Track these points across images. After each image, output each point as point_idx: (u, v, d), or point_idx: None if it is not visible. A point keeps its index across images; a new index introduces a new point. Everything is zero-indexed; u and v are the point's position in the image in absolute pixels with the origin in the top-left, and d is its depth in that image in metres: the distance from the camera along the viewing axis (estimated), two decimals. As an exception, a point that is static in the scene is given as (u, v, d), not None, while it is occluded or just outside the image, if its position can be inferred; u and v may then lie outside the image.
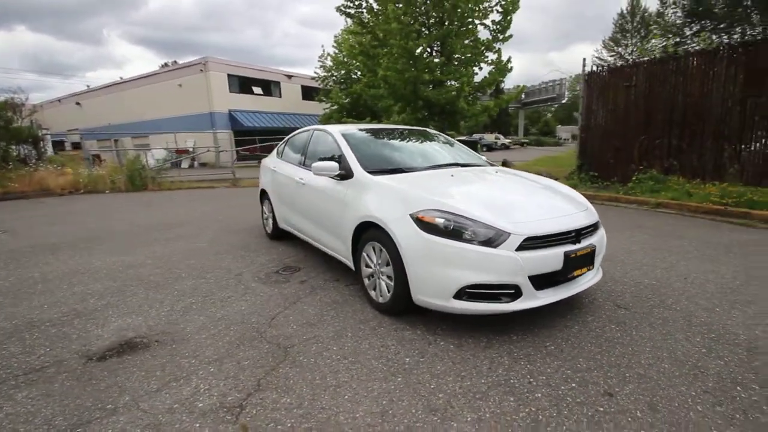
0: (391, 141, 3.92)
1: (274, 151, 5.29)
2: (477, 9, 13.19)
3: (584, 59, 9.96)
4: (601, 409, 1.82)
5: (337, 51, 23.98)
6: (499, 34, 13.69)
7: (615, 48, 43.43)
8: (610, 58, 44.27)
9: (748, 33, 36.96)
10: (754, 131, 7.09)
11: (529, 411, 1.81)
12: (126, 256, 4.55)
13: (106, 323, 2.84)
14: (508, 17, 13.39)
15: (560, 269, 2.39)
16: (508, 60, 14.06)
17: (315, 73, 25.07)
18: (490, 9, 13.51)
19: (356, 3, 13.51)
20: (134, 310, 3.05)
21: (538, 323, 2.65)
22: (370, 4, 13.22)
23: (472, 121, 13.66)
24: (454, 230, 2.37)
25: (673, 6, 40.09)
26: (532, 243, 2.33)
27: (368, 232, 2.91)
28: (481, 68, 14.13)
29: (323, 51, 24.71)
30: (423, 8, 13.13)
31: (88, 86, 34.40)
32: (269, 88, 27.85)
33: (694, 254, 4.14)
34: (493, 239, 2.30)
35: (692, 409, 1.81)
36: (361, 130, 4.02)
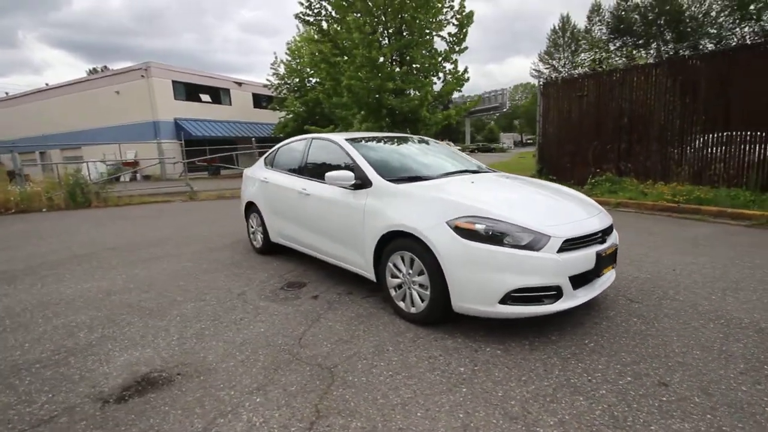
0: (397, 148, 3.90)
1: (261, 160, 5.04)
2: (434, 21, 13.65)
3: (541, 73, 10.69)
4: (664, 398, 1.92)
5: (290, 58, 23.56)
6: (455, 46, 14.25)
7: (550, 61, 46.89)
8: (545, 70, 47.75)
9: (662, 48, 41.31)
10: (690, 136, 7.97)
11: (603, 408, 1.86)
12: (101, 281, 4.08)
13: (109, 359, 2.51)
14: (464, 30, 13.99)
15: (592, 268, 2.51)
16: (465, 70, 14.67)
17: (267, 80, 24.42)
18: (446, 21, 14.05)
19: (315, 11, 13.42)
20: (137, 342, 2.73)
21: (568, 322, 2.75)
22: (330, 12, 13.19)
23: (433, 129, 14.01)
24: (493, 235, 2.40)
25: (599, 23, 44.20)
26: (569, 245, 2.42)
27: (394, 242, 2.86)
28: (439, 78, 14.62)
29: (275, 58, 24.14)
30: (382, 18, 13.34)
31: (6, 93, 30.78)
32: (218, 95, 26.65)
33: (670, 248, 4.54)
34: (534, 243, 2.36)
35: (738, 389, 1.96)
36: (362, 138, 3.95)
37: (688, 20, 38.13)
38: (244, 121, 27.11)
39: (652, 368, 2.17)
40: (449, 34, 14.25)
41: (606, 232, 2.69)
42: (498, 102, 57.79)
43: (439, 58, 14.22)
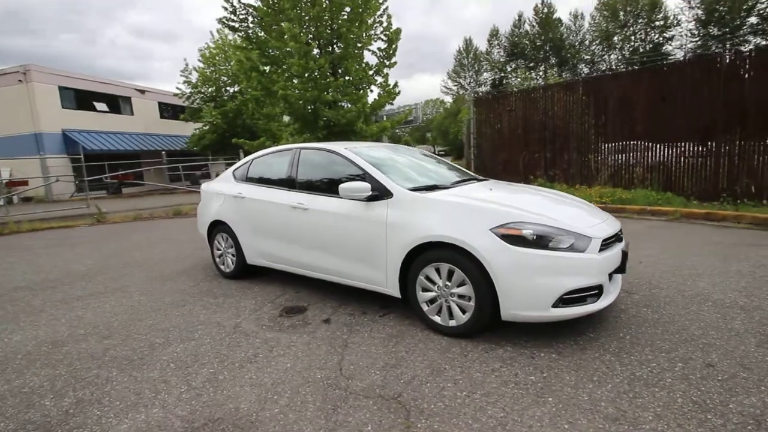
0: (394, 156, 3.77)
1: (226, 174, 4.51)
2: (365, 35, 13.83)
3: (473, 88, 11.40)
4: (719, 378, 2.09)
5: (203, 65, 21.85)
6: (385, 60, 14.60)
7: (457, 79, 50.77)
8: (454, 87, 51.44)
9: (548, 71, 47.00)
10: (603, 145, 9.19)
11: (682, 396, 1.96)
12: (35, 330, 3.22)
13: (106, 430, 1.95)
14: (393, 45, 14.41)
15: (620, 265, 2.68)
16: (395, 84, 15.09)
17: (177, 89, 22.28)
18: (376, 36, 14.34)
19: (240, 17, 12.67)
20: (134, 401, 2.18)
21: (590, 320, 2.88)
22: (257, 19, 12.55)
23: (369, 141, 14.10)
24: (539, 240, 2.43)
25: (497, 47, 49.10)
26: (604, 245, 2.55)
27: (426, 254, 2.73)
28: (372, 91, 14.82)
29: (186, 65, 22.13)
30: (311, 29, 13.10)
31: None
32: (117, 104, 23.48)
33: (623, 243, 5.11)
34: (579, 245, 2.44)
35: (765, 361, 2.23)
36: (354, 147, 3.74)
37: (567, 47, 44.49)
38: (150, 132, 24.30)
39: (690, 352, 2.37)
40: (379, 48, 14.58)
41: (620, 231, 2.91)
42: (411, 116, 60.69)
43: (370, 72, 14.44)
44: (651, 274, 3.83)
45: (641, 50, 41.00)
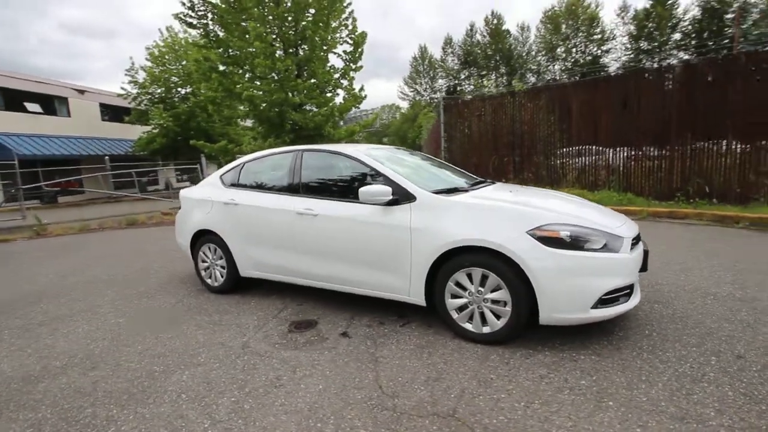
0: (401, 158, 3.63)
1: (212, 179, 4.14)
2: (330, 38, 13.62)
3: (441, 95, 11.56)
4: (754, 369, 2.17)
5: (152, 64, 20.43)
6: (351, 64, 14.48)
7: (413, 85, 51.70)
8: (410, 93, 52.32)
9: (498, 79, 49.01)
10: (567, 149, 9.66)
11: (732, 389, 2.00)
12: (1, 364, 2.72)
13: (127, 481, 1.64)
14: (359, 49, 14.33)
15: (642, 265, 2.73)
16: (361, 88, 15.01)
17: (122, 89, 20.63)
18: (341, 39, 14.18)
19: (199, 13, 11.98)
20: (152, 443, 1.87)
21: (609, 320, 2.92)
22: (217, 17, 11.93)
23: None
24: (575, 241, 2.41)
25: (451, 55, 50.63)
26: (632, 245, 2.59)
27: (456, 260, 2.63)
28: (337, 94, 14.62)
29: (132, 64, 20.56)
30: (275, 29, 12.69)
31: None
32: (52, 105, 21.27)
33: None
34: (614, 245, 2.45)
35: (785, 350, 2.36)
36: (364, 149, 3.57)
37: (516, 57, 46.86)
38: (91, 136, 22.26)
39: (716, 345, 2.45)
40: (344, 51, 14.43)
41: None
42: (362, 122, 61.03)
43: (336, 75, 14.25)
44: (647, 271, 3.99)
45: (581, 62, 44.17)
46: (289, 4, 12.34)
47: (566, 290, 2.37)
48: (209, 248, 4.00)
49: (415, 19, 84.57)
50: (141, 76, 20.69)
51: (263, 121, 12.37)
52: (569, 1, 43.36)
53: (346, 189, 3.25)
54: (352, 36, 14.21)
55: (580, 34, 43.55)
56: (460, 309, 2.69)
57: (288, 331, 3.07)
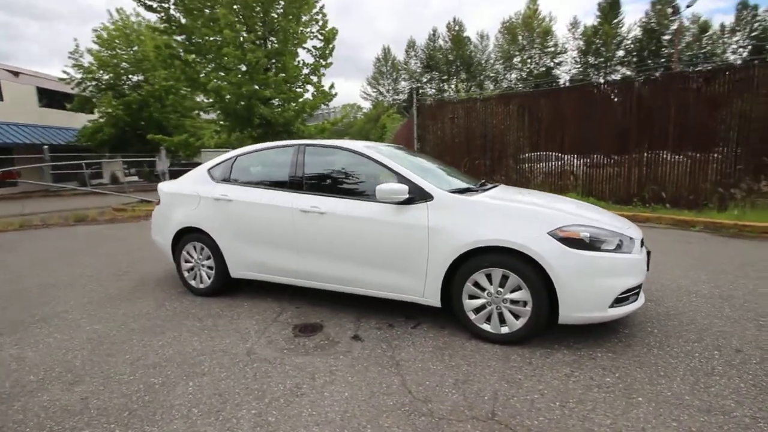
0: (406, 157, 3.56)
1: (197, 173, 3.85)
2: (299, 32, 13.28)
3: (415, 96, 11.64)
4: (755, 361, 2.34)
5: (99, 49, 18.80)
6: (321, 60, 14.22)
7: (377, 85, 51.80)
8: (373, 93, 52.40)
9: (458, 84, 50.23)
10: (536, 153, 10.09)
11: (744, 381, 2.13)
12: (-45, 383, 2.32)
13: None
14: (330, 45, 14.10)
15: (646, 265, 2.87)
16: (332, 86, 14.78)
17: (65, 73, 18.81)
18: (312, 35, 13.87)
19: (160, -4, 11.19)
20: (173, 466, 1.67)
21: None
22: (183, 1, 11.18)
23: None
24: (593, 242, 2.48)
25: (414, 58, 51.26)
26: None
27: (474, 260, 2.61)
28: (307, 90, 14.29)
29: (77, 46, 18.77)
30: (244, 20, 12.15)
31: None
32: (-23, 86, 18.95)
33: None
34: (627, 245, 2.55)
35: (773, 344, 2.57)
36: (372, 145, 3.45)
37: (476, 64, 48.39)
38: (27, 123, 20.05)
39: (714, 340, 2.62)
40: (314, 47, 14.14)
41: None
42: (330, 119, 60.41)
43: (305, 71, 13.93)
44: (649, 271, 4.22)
45: (536, 72, 46.49)
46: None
47: (586, 290, 2.43)
48: (194, 247, 3.71)
49: (377, 20, 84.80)
50: (87, 60, 18.99)
51: (229, 114, 11.78)
52: (525, 13, 45.50)
53: (355, 186, 3.14)
54: (323, 32, 13.96)
55: (535, 45, 45.80)
56: (477, 310, 2.68)
57: (293, 335, 2.90)
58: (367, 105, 52.58)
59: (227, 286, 3.72)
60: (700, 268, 4.17)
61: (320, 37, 14.01)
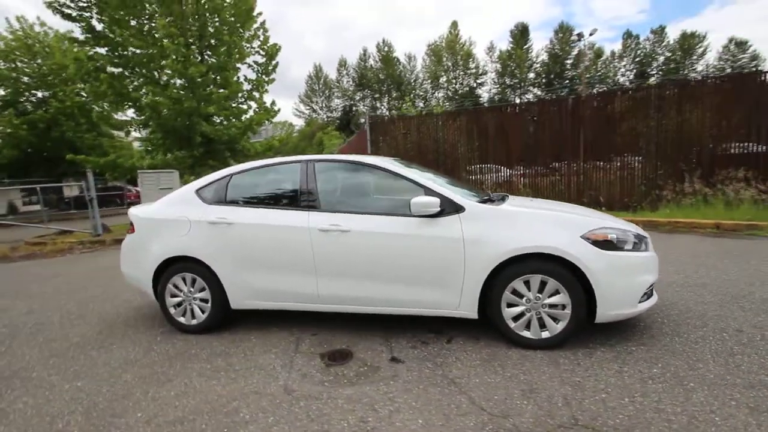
0: (417, 170, 3.52)
1: (182, 194, 3.44)
2: (241, 47, 12.78)
3: (366, 112, 11.72)
4: (759, 338, 2.64)
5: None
6: (263, 76, 13.79)
7: (309, 103, 51.47)
8: (306, 111, 51.95)
9: (391, 102, 51.60)
10: (484, 166, 10.70)
11: (759, 357, 2.39)
12: None
13: None
14: (273, 61, 13.75)
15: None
16: (273, 103, 14.37)
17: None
18: (253, 50, 13.42)
19: (80, 4, 10.03)
20: None
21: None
22: (105, 9, 10.12)
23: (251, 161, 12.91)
24: (619, 243, 2.65)
25: (346, 76, 51.93)
26: (645, 244, 2.95)
27: (514, 267, 2.65)
28: (250, 107, 13.72)
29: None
30: (187, 33, 11.36)
31: None
32: None
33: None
34: (644, 244, 2.76)
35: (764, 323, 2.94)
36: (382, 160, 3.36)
37: (405, 83, 50.41)
38: None
39: (716, 323, 2.92)
40: (256, 63, 13.69)
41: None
42: (261, 137, 58.57)
43: (247, 87, 13.40)
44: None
45: (460, 92, 49.74)
46: (193, 5, 11.20)
47: (620, 288, 2.58)
48: (183, 280, 3.28)
49: (302, 39, 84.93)
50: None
51: (168, 131, 10.80)
52: (448, 37, 48.74)
53: (377, 201, 3.04)
54: (264, 47, 13.59)
55: (459, 67, 49.11)
56: (516, 317, 2.71)
57: (325, 365, 2.67)
58: (299, 122, 51.84)
59: (225, 320, 3.34)
60: (664, 262, 4.66)
61: (262, 52, 13.61)
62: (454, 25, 48.37)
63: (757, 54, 40.54)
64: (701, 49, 42.07)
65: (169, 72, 9.87)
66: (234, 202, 3.28)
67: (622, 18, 69.88)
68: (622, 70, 46.56)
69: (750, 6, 61.92)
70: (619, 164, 9.19)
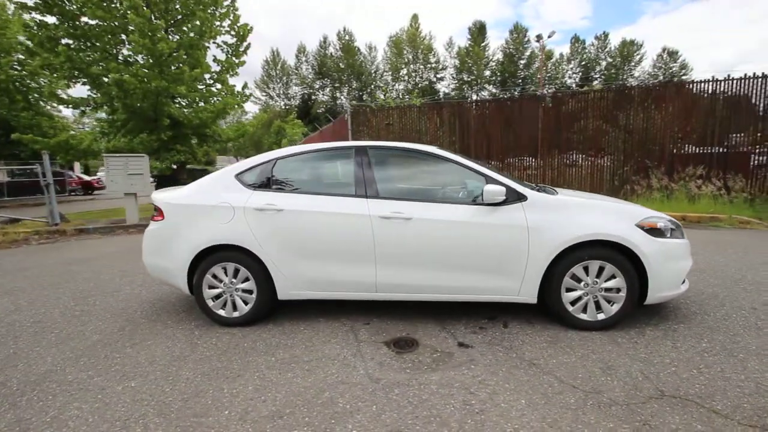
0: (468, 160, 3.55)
1: (221, 179, 3.20)
2: (212, 26, 12.00)
3: (348, 102, 11.50)
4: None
5: None
6: (233, 57, 13.07)
7: (266, 89, 49.47)
8: (262, 97, 49.93)
9: (352, 93, 51.19)
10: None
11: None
12: None
13: None
14: (244, 42, 13.06)
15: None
16: (245, 86, 13.71)
17: None
18: (222, 29, 12.64)
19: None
20: None
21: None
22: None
23: (224, 146, 12.26)
24: (665, 230, 2.89)
25: (306, 63, 50.46)
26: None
27: (573, 254, 2.79)
28: (218, 90, 12.95)
29: None
30: (155, 6, 10.38)
31: None
32: None
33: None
34: (681, 232, 3.02)
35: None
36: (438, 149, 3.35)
37: (366, 74, 50.03)
38: None
39: (732, 303, 3.27)
40: (225, 43, 12.93)
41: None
42: (252, 121, 55.66)
43: (217, 67, 12.63)
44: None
45: (420, 85, 50.33)
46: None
47: (668, 272, 2.81)
48: (224, 270, 3.08)
49: (256, 22, 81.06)
50: None
51: (133, 112, 9.89)
52: (409, 30, 48.95)
53: (438, 189, 3.04)
54: (236, 26, 12.86)
55: (419, 60, 49.57)
56: (573, 301, 2.86)
57: (395, 353, 2.66)
58: (254, 109, 49.66)
59: (270, 312, 3.20)
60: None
61: (233, 32, 12.86)
62: (415, 18, 48.68)
63: (685, 63, 45.06)
64: (638, 57, 45.88)
65: (132, 47, 9.00)
66: (281, 188, 3.12)
67: (566, 23, 74.22)
68: (569, 72, 49.61)
69: (678, 16, 68.71)
70: (590, 161, 9.87)
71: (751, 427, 1.83)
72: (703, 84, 8.62)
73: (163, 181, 11.98)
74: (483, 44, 48.61)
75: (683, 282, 2.96)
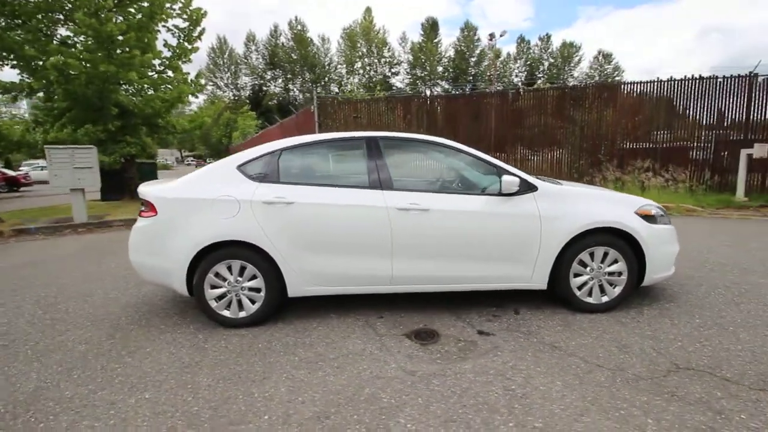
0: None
1: (221, 170, 2.98)
2: (161, 8, 11.09)
3: (316, 93, 11.20)
4: (744, 290, 3.38)
5: None
6: (186, 43, 12.21)
7: (213, 78, 46.84)
8: (209, 87, 47.30)
9: (305, 85, 49.91)
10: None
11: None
12: None
13: None
14: (198, 27, 12.23)
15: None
16: (199, 74, 12.89)
17: None
18: (174, 11, 11.74)
19: None
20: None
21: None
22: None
23: (178, 138, 11.47)
24: (658, 217, 3.12)
25: (256, 53, 48.40)
26: (659, 218, 3.51)
27: (581, 242, 2.93)
28: (170, 77, 12.05)
29: None
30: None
31: None
32: None
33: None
34: (665, 218, 3.28)
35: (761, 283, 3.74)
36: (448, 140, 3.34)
37: (320, 66, 49.02)
38: None
39: (720, 284, 3.61)
40: (176, 27, 12.03)
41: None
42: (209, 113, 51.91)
43: (167, 53, 11.73)
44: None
45: (374, 79, 50.26)
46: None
47: (662, 255, 3.05)
48: (228, 268, 2.89)
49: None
50: None
51: (76, 100, 8.89)
52: (363, 23, 48.59)
53: (452, 180, 3.05)
54: (187, 10, 11.99)
55: (374, 54, 49.44)
56: (580, 286, 3.01)
57: (419, 345, 2.65)
58: (200, 100, 46.83)
59: (277, 310, 3.05)
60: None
61: (185, 16, 11.98)
62: (368, 11, 48.37)
63: (618, 65, 48.96)
64: (577, 58, 49.14)
65: (73, 27, 8.08)
66: (288, 180, 2.97)
67: (510, 23, 77.65)
68: (516, 71, 52.01)
69: (611, 20, 74.28)
70: (548, 155, 10.44)
71: (762, 391, 2.04)
72: (648, 84, 9.41)
73: (107, 176, 10.95)
74: (436, 40, 49.49)
75: (673, 264, 3.22)
